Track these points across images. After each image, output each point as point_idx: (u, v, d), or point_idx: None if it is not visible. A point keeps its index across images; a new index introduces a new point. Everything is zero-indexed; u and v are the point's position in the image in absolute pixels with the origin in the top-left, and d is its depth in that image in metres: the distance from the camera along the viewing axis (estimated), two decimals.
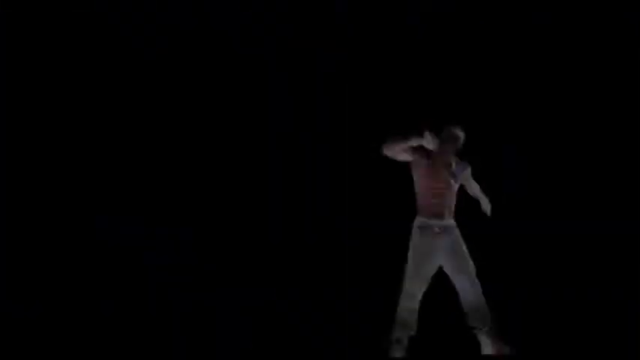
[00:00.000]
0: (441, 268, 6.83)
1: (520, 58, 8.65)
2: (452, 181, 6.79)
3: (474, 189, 6.99)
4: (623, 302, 7.63)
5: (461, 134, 6.82)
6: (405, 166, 8.50)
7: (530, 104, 8.69)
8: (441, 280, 6.87)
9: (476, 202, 7.16)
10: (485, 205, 7.00)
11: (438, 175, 6.78)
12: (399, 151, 6.75)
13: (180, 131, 8.74)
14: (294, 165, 8.73)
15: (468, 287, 6.74)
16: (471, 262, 6.78)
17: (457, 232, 6.81)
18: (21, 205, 8.57)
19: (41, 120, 8.66)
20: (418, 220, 6.83)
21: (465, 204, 7.13)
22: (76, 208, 8.61)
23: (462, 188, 7.01)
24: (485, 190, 7.11)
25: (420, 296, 6.74)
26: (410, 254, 6.80)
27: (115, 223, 8.54)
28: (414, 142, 6.69)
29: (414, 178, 6.83)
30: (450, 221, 6.79)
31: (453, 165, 6.82)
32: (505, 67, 8.66)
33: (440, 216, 6.76)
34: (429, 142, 6.69)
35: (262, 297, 8.00)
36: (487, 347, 6.77)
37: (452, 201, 6.82)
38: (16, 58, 8.62)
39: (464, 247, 6.80)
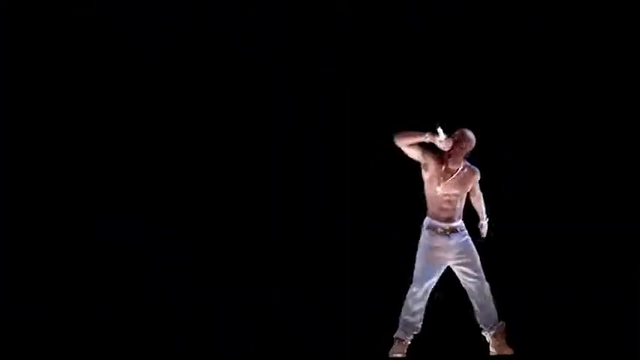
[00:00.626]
0: (448, 269, 6.83)
1: (520, 58, 8.64)
2: (461, 189, 6.75)
3: (477, 200, 6.91)
4: (623, 302, 7.63)
5: (473, 137, 6.71)
6: (407, 166, 8.50)
7: (530, 104, 8.68)
8: (445, 280, 6.87)
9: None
10: (483, 224, 6.97)
11: (448, 182, 6.72)
12: (409, 144, 6.65)
13: (181, 131, 8.73)
14: (294, 165, 8.73)
15: (476, 287, 6.77)
16: (479, 263, 6.78)
17: (466, 232, 6.80)
18: (21, 205, 8.57)
19: (41, 120, 8.66)
20: (427, 221, 6.81)
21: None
22: (76, 208, 8.61)
23: None
24: (485, 189, 7.09)
25: (426, 298, 6.75)
26: (418, 254, 6.79)
27: (115, 223, 8.53)
28: (427, 138, 6.58)
29: (425, 181, 6.76)
30: (459, 222, 6.79)
31: (464, 170, 6.75)
32: (505, 67, 8.65)
33: (450, 220, 6.76)
34: (441, 141, 6.58)
35: (262, 297, 8.00)
36: (492, 347, 6.80)
37: (462, 205, 6.80)
38: (16, 58, 8.62)
39: (473, 248, 6.80)
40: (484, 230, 6.99)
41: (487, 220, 6.96)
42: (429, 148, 6.66)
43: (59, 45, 8.65)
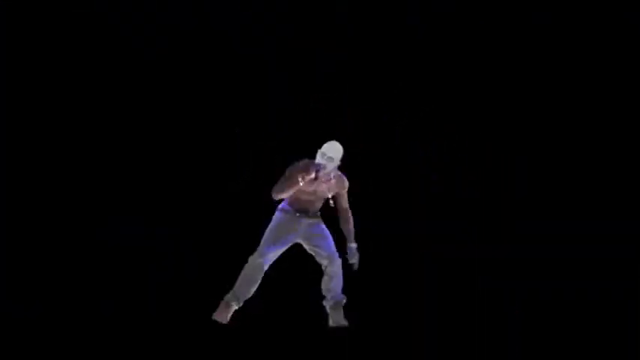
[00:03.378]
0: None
1: (520, 58, 8.65)
2: (324, 191, 6.87)
3: (343, 217, 6.99)
4: (623, 302, 7.63)
5: (337, 154, 6.77)
6: (406, 167, 8.52)
7: (529, 104, 8.69)
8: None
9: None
10: (352, 247, 7.02)
11: (315, 189, 6.85)
12: (293, 191, 6.81)
13: (181, 131, 8.74)
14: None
15: (327, 263, 6.96)
16: (331, 246, 6.96)
17: (318, 220, 6.98)
18: (21, 205, 8.58)
19: (41, 120, 8.66)
20: (282, 205, 7.00)
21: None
22: (76, 208, 8.61)
23: None
24: (484, 189, 7.09)
25: (264, 270, 6.95)
26: (267, 230, 6.96)
27: (115, 223, 8.54)
28: (302, 182, 6.71)
29: None
30: (313, 214, 6.98)
31: (333, 177, 6.83)
32: (505, 67, 8.66)
33: (303, 211, 6.94)
34: (314, 175, 6.72)
35: (262, 297, 8.00)
36: (330, 318, 7.05)
37: (318, 206, 6.97)
38: (16, 58, 8.63)
39: (323, 233, 6.97)
40: (353, 258, 7.06)
41: (356, 245, 7.05)
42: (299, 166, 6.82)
43: (59, 45, 8.65)
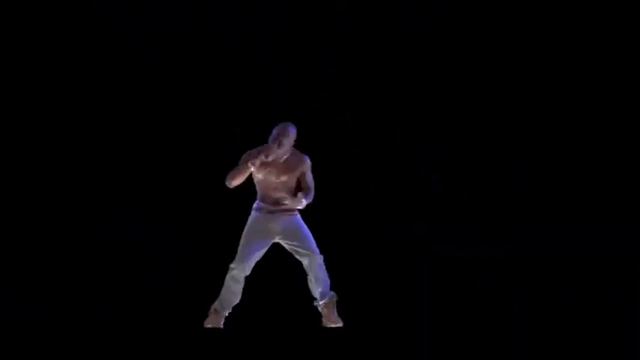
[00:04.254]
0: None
1: (520, 58, 8.65)
2: (289, 175, 6.81)
3: (304, 187, 6.85)
4: (623, 302, 7.63)
5: (291, 133, 6.77)
6: (406, 167, 8.52)
7: (529, 104, 8.69)
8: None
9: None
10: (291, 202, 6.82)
11: (277, 174, 6.80)
12: (242, 179, 6.79)
13: (181, 131, 8.74)
14: None
15: (307, 262, 6.89)
16: (309, 240, 6.88)
17: (294, 214, 6.88)
18: (21, 205, 8.58)
19: (41, 120, 8.66)
20: (255, 204, 6.94)
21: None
22: (76, 208, 8.61)
23: None
24: (484, 189, 7.08)
25: (245, 275, 6.89)
26: (242, 235, 6.90)
27: (115, 223, 8.54)
28: (254, 166, 6.69)
29: (254, 177, 6.87)
30: (288, 205, 6.83)
31: (290, 158, 6.80)
32: (505, 67, 8.66)
33: (277, 203, 6.83)
34: (267, 157, 6.69)
35: (262, 297, 8.00)
36: (323, 318, 7.00)
37: (290, 191, 6.84)
38: (16, 58, 8.62)
39: (300, 227, 6.89)
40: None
41: (304, 200, 6.82)
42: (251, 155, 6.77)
43: (59, 45, 8.65)
